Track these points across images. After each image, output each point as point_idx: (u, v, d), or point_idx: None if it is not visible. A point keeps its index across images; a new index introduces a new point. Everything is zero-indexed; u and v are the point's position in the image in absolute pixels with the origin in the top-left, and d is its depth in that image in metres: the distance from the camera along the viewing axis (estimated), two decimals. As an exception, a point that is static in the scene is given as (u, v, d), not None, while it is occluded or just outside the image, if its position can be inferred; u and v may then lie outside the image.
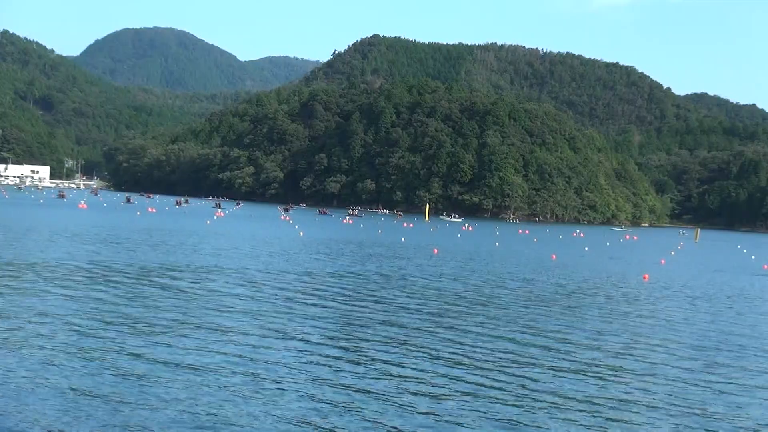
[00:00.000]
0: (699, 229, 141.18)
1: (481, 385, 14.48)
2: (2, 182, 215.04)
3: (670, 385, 15.47)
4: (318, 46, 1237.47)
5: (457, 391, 13.90)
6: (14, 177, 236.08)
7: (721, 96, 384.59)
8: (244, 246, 46.49)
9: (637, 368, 16.97)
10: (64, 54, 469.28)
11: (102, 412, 11.49)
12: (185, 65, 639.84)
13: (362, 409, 12.53)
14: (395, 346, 17.60)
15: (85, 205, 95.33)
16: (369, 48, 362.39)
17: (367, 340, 18.13)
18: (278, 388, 13.34)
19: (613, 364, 17.30)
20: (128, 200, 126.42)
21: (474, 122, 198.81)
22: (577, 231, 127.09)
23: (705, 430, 12.65)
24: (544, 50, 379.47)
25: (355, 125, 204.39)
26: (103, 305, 20.56)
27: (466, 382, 14.64)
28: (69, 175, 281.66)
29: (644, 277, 41.80)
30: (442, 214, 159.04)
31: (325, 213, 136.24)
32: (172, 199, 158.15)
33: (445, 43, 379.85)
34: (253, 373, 14.19)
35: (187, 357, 15.13)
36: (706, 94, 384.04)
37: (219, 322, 19.19)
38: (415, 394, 13.57)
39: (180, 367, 14.30)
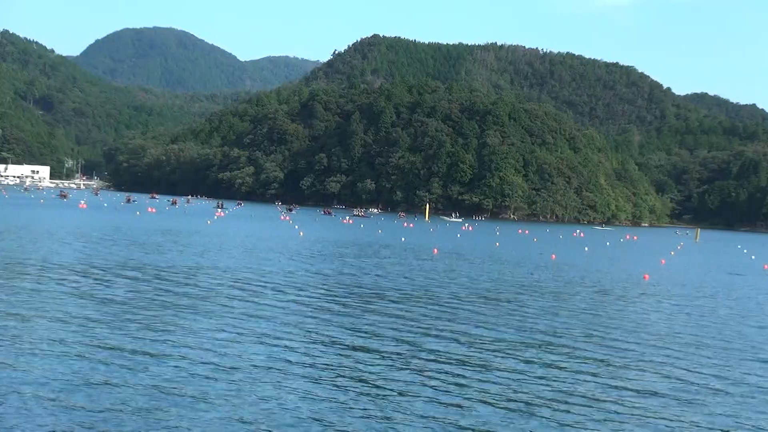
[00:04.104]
0: (699, 229, 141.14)
1: (479, 381, 14.49)
2: (2, 182, 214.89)
3: (672, 385, 15.47)
4: (318, 46, 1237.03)
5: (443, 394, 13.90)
6: (14, 177, 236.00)
7: (721, 96, 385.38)
8: (243, 247, 46.46)
9: (640, 368, 16.96)
10: (64, 54, 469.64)
11: (99, 412, 11.50)
12: (185, 65, 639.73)
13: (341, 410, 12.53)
14: (397, 353, 17.59)
15: (85, 205, 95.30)
16: (369, 48, 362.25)
17: (365, 345, 18.13)
18: (269, 388, 13.36)
19: (616, 364, 17.29)
20: (128, 200, 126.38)
21: (474, 122, 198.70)
22: (577, 231, 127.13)
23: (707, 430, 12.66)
24: (544, 50, 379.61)
25: (355, 125, 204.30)
26: (99, 306, 20.57)
27: (456, 384, 14.64)
28: (69, 175, 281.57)
29: (645, 277, 41.79)
30: (451, 215, 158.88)
31: (329, 213, 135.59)
32: (181, 199, 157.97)
33: (445, 43, 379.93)
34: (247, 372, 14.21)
35: (182, 358, 15.14)
36: (706, 94, 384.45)
37: (215, 323, 19.19)
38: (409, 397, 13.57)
39: (173, 366, 14.32)
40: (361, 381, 14.19)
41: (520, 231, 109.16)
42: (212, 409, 11.98)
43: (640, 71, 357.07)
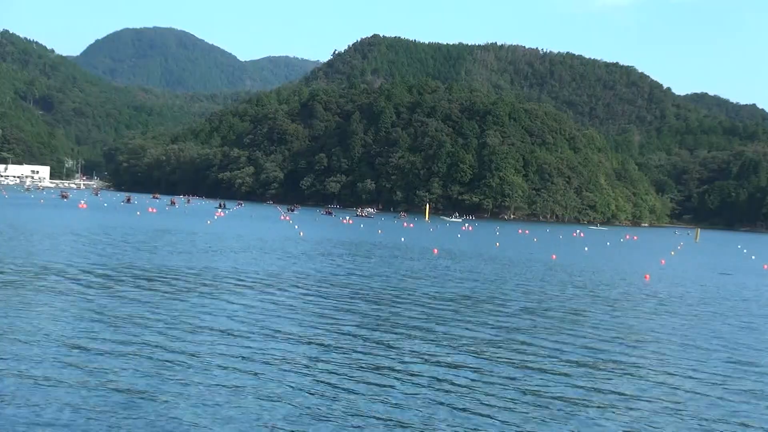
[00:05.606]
0: (699, 229, 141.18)
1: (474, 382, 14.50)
2: (2, 182, 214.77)
3: (674, 387, 15.48)
4: (318, 46, 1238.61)
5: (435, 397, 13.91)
6: (14, 177, 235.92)
7: (721, 96, 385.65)
8: (242, 247, 46.44)
9: (643, 369, 16.97)
10: (64, 54, 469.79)
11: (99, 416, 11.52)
12: (185, 65, 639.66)
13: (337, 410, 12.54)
14: (390, 348, 17.61)
15: (85, 205, 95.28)
16: (369, 48, 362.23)
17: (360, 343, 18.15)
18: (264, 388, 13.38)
19: (621, 364, 17.30)
20: (128, 200, 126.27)
21: (474, 122, 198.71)
22: (577, 231, 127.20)
23: None
24: (544, 50, 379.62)
25: (355, 125, 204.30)
26: (95, 306, 20.58)
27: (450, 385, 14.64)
28: (69, 175, 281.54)
29: (645, 277, 41.79)
30: (451, 215, 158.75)
31: (330, 213, 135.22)
32: (181, 199, 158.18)
33: (445, 43, 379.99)
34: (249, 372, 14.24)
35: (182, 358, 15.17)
36: (706, 94, 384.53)
37: (212, 324, 19.21)
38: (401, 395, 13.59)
39: (175, 367, 14.35)
40: (346, 381, 14.23)
41: (520, 231, 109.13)
42: (205, 405, 12.01)
43: (640, 71, 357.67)
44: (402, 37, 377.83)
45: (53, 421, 11.02)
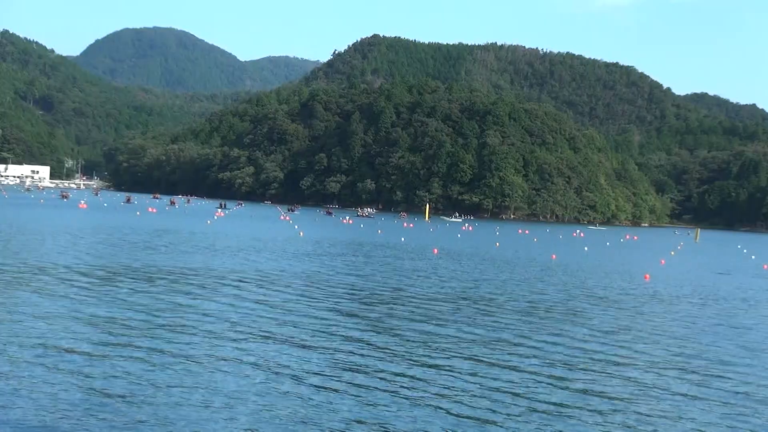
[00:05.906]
0: (699, 229, 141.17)
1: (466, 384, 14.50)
2: (2, 182, 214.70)
3: (672, 388, 15.48)
4: (318, 46, 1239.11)
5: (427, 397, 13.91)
6: (14, 177, 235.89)
7: (721, 96, 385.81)
8: (242, 247, 46.43)
9: (643, 370, 16.96)
10: (64, 54, 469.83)
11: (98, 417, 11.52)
12: (185, 65, 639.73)
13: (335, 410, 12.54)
14: (391, 352, 17.60)
15: (85, 205, 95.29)
16: (369, 48, 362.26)
17: (367, 341, 18.14)
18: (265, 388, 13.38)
19: (620, 365, 17.29)
20: (128, 200, 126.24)
21: (474, 122, 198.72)
22: (577, 231, 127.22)
23: None
24: (544, 50, 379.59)
25: (355, 125, 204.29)
26: (93, 308, 20.57)
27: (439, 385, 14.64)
28: (69, 175, 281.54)
29: (645, 277, 41.78)
30: (451, 215, 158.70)
31: (330, 213, 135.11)
32: (181, 199, 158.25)
33: (445, 43, 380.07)
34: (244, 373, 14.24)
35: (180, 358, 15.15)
36: (706, 94, 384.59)
37: (213, 326, 19.20)
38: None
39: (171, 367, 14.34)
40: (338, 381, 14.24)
41: (520, 231, 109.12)
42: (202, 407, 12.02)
43: (640, 71, 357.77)
44: (402, 37, 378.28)
45: (51, 424, 11.01)
